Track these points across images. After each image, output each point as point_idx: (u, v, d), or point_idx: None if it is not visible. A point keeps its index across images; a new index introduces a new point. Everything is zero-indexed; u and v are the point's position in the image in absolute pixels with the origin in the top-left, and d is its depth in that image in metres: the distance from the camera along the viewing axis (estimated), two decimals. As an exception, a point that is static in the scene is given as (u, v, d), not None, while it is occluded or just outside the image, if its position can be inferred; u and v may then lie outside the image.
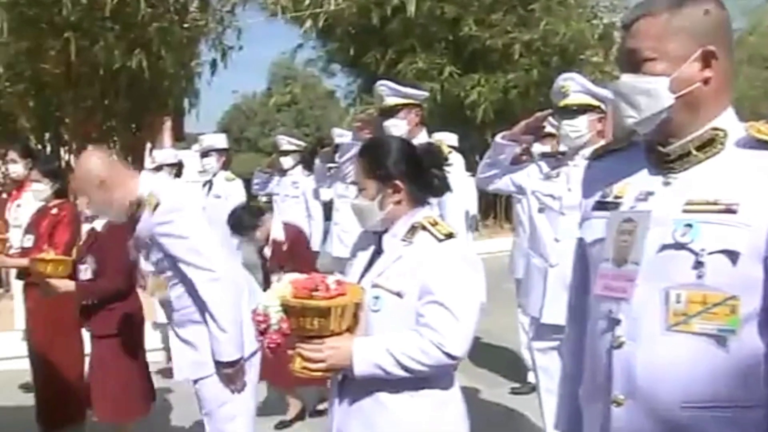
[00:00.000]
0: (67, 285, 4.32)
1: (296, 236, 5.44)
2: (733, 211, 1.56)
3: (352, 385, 2.33)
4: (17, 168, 6.23)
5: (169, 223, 3.14)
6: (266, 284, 5.20)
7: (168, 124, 10.88)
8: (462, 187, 4.65)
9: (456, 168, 4.50)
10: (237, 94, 45.62)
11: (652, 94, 1.63)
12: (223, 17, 8.78)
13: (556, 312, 3.66)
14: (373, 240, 2.42)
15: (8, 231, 6.48)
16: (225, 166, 6.77)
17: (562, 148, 5.17)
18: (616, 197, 1.77)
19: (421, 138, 4.51)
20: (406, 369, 2.19)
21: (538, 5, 12.27)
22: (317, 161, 6.32)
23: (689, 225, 1.59)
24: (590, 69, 12.60)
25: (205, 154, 6.60)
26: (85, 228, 4.56)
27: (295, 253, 5.28)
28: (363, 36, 13.48)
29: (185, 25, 8.53)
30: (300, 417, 5.42)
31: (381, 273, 2.30)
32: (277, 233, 5.33)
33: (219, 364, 3.20)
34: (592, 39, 12.40)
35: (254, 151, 40.76)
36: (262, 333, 2.25)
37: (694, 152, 1.66)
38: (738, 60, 16.63)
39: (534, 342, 3.87)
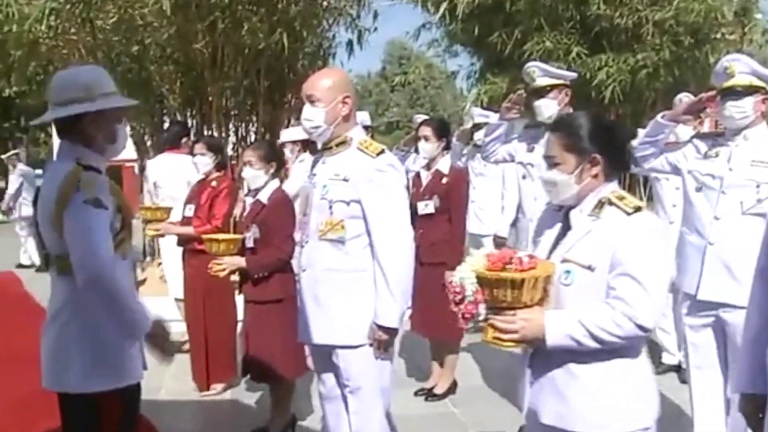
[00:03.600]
0: (239, 262, 4.61)
1: (460, 174, 5.49)
2: None
3: (543, 358, 2.41)
4: None
5: (386, 173, 3.19)
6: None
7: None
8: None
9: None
10: (351, 74, 46.08)
11: None
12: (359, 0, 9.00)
13: (713, 289, 3.71)
14: (558, 217, 2.50)
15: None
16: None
17: (706, 128, 5.11)
18: None
19: (567, 118, 4.61)
20: (597, 340, 2.27)
21: (669, -18, 11.95)
22: (454, 140, 6.40)
23: None
24: (723, 48, 12.17)
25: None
26: (249, 200, 4.87)
27: (452, 189, 5.32)
28: (488, 16, 13.41)
29: (324, 5, 8.79)
30: (451, 390, 5.58)
31: (570, 248, 2.37)
32: (443, 166, 5.41)
33: (379, 329, 3.18)
34: (728, 16, 11.94)
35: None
36: (458, 303, 2.38)
37: None
38: None
39: (687, 318, 3.88)
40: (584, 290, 2.32)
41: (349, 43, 9.38)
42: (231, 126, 9.38)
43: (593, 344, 2.27)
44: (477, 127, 6.90)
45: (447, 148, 5.51)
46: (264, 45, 8.29)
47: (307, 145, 6.60)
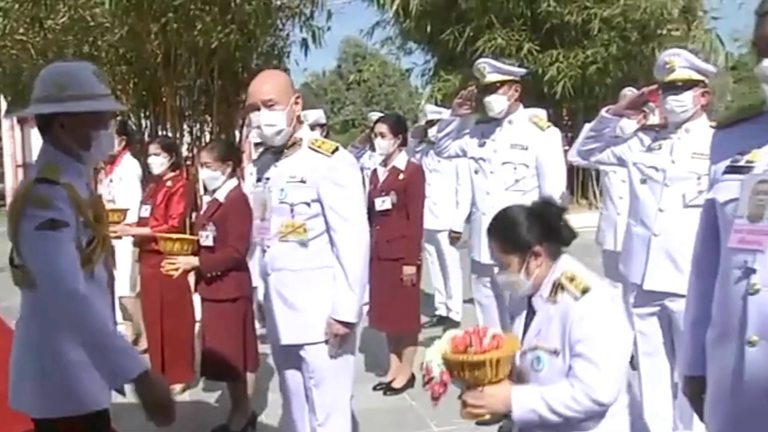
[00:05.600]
0: (192, 262, 4.64)
1: (416, 170, 5.54)
2: None
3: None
4: (114, 143, 6.65)
5: (343, 170, 3.23)
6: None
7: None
8: (560, 162, 4.78)
9: (554, 142, 4.66)
10: (306, 73, 45.87)
11: None
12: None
13: (658, 279, 3.79)
14: (524, 302, 2.61)
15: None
16: (326, 140, 7.03)
17: (651, 121, 5.24)
18: (748, 162, 1.96)
19: (519, 113, 4.68)
20: (559, 415, 2.39)
21: (617, -20, 12.21)
22: (409, 137, 6.48)
23: None
24: (669, 44, 12.44)
25: (311, 128, 6.82)
26: (207, 199, 4.90)
27: (409, 185, 5.37)
28: (440, 14, 13.57)
29: (278, 4, 8.79)
30: (410, 384, 5.62)
31: (537, 334, 2.50)
32: (399, 163, 5.47)
33: (338, 323, 3.19)
34: (673, 13, 12.25)
35: (323, 128, 41.07)
36: (427, 383, 2.57)
37: None
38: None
39: (634, 308, 3.99)
40: (555, 375, 2.44)
41: (304, 42, 9.37)
42: (185, 126, 9.34)
43: (555, 418, 2.40)
44: (431, 123, 7.00)
45: (403, 144, 5.58)
46: (217, 44, 8.28)
47: None
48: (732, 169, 2.02)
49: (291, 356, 3.40)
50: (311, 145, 3.27)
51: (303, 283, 3.26)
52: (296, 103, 3.26)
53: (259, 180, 3.47)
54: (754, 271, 1.88)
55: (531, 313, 2.57)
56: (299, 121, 3.31)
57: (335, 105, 47.27)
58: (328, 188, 3.19)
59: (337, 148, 3.27)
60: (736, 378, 1.97)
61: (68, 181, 2.47)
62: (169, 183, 5.53)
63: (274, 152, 3.37)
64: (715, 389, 2.12)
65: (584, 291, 2.42)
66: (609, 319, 2.42)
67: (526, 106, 5.00)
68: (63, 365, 2.47)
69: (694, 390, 2.30)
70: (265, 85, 3.26)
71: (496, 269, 2.62)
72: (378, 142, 5.47)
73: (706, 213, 2.20)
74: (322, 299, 3.24)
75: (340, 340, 3.25)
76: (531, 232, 2.49)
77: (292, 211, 3.23)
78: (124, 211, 5.90)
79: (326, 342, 3.26)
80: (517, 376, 2.53)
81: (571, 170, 14.03)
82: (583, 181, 14.71)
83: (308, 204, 3.21)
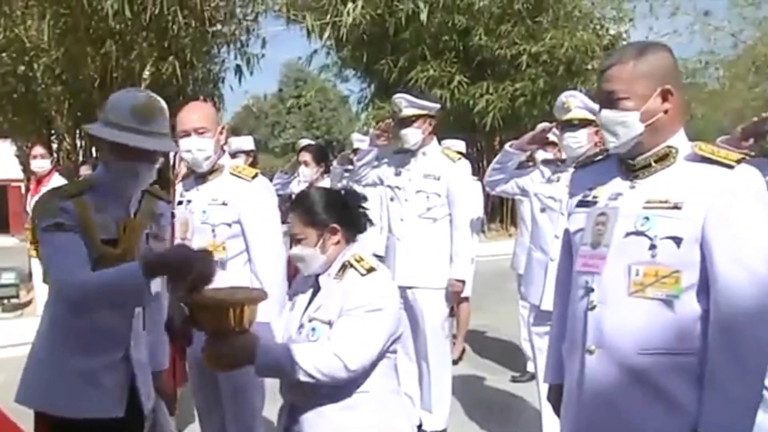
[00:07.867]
0: None
1: None
2: (679, 208, 2.08)
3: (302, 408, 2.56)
4: (44, 163, 6.81)
5: (262, 194, 3.51)
6: None
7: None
8: (469, 191, 5.07)
9: (464, 173, 4.94)
10: (248, 96, 45.79)
11: (628, 125, 2.14)
12: (248, 27, 9.24)
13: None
14: (311, 281, 2.67)
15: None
16: (252, 167, 7.18)
17: (563, 155, 5.64)
18: (594, 197, 2.31)
19: (432, 146, 4.90)
20: (305, 372, 2.38)
21: (545, 18, 12.74)
22: (334, 164, 6.70)
23: (647, 218, 2.12)
24: (595, 79, 12.98)
25: (233, 155, 6.98)
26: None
27: None
28: (375, 43, 13.92)
29: (213, 30, 8.96)
30: None
31: (318, 308, 2.56)
32: None
33: None
34: (598, 50, 12.83)
35: (264, 152, 41.09)
36: (168, 330, 2.67)
37: (653, 164, 2.19)
38: (746, 69, 16.99)
39: (533, 327, 4.30)
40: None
41: (238, 69, 9.59)
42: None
43: (300, 376, 2.39)
44: (356, 151, 7.25)
45: (326, 171, 5.81)
46: (154, 70, 8.43)
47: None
48: (582, 203, 2.36)
49: (206, 372, 3.49)
50: (232, 171, 3.56)
51: None
52: (221, 132, 3.54)
53: (180, 203, 3.70)
54: (592, 290, 2.20)
55: (316, 291, 2.62)
56: (222, 150, 3.58)
57: (276, 128, 47.29)
58: (248, 211, 3.46)
59: (256, 174, 3.55)
60: (579, 385, 2.27)
61: (87, 199, 2.56)
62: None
63: (196, 177, 3.62)
64: (566, 396, 2.41)
65: (370, 270, 2.53)
66: (381, 297, 2.50)
67: (455, 137, 5.22)
68: (49, 363, 2.61)
69: (555, 397, 2.56)
70: (196, 114, 3.53)
71: (291, 243, 2.65)
72: (302, 169, 5.73)
73: (564, 241, 2.53)
74: None
75: None
76: (330, 210, 2.59)
77: (213, 231, 3.47)
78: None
79: None
80: None
81: (502, 199, 14.49)
82: (512, 210, 15.13)
83: (229, 225, 3.47)
